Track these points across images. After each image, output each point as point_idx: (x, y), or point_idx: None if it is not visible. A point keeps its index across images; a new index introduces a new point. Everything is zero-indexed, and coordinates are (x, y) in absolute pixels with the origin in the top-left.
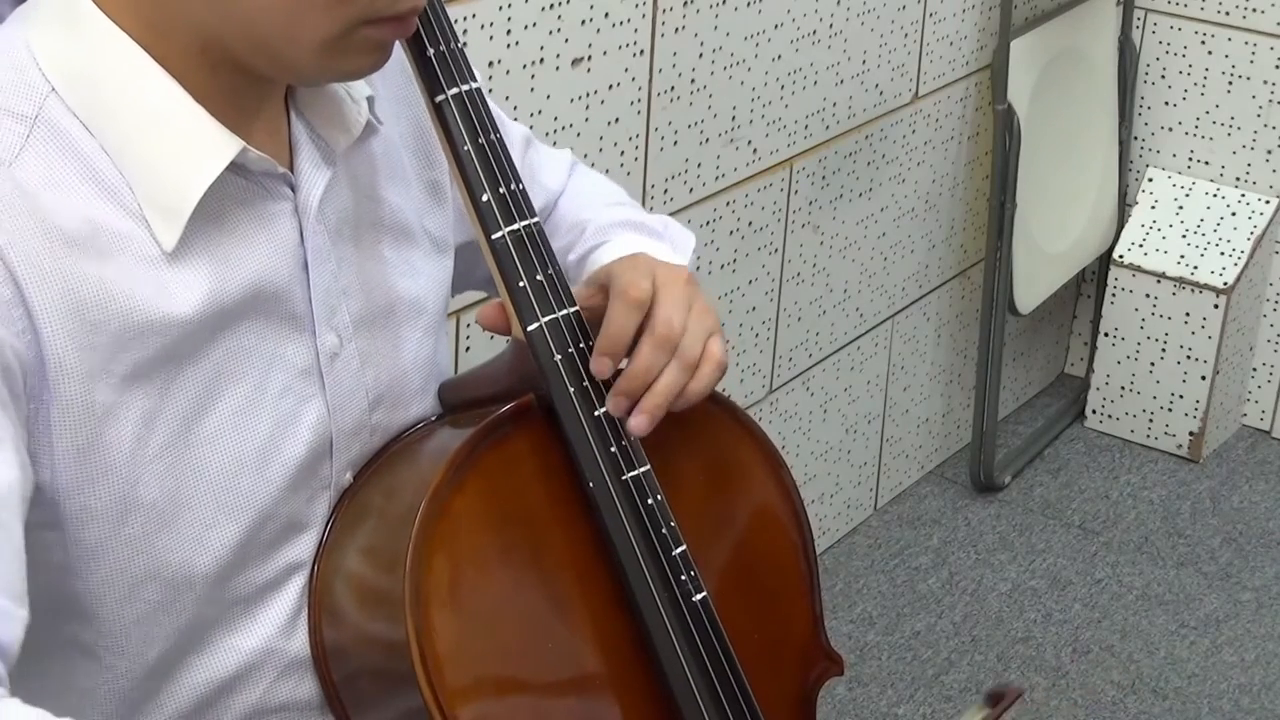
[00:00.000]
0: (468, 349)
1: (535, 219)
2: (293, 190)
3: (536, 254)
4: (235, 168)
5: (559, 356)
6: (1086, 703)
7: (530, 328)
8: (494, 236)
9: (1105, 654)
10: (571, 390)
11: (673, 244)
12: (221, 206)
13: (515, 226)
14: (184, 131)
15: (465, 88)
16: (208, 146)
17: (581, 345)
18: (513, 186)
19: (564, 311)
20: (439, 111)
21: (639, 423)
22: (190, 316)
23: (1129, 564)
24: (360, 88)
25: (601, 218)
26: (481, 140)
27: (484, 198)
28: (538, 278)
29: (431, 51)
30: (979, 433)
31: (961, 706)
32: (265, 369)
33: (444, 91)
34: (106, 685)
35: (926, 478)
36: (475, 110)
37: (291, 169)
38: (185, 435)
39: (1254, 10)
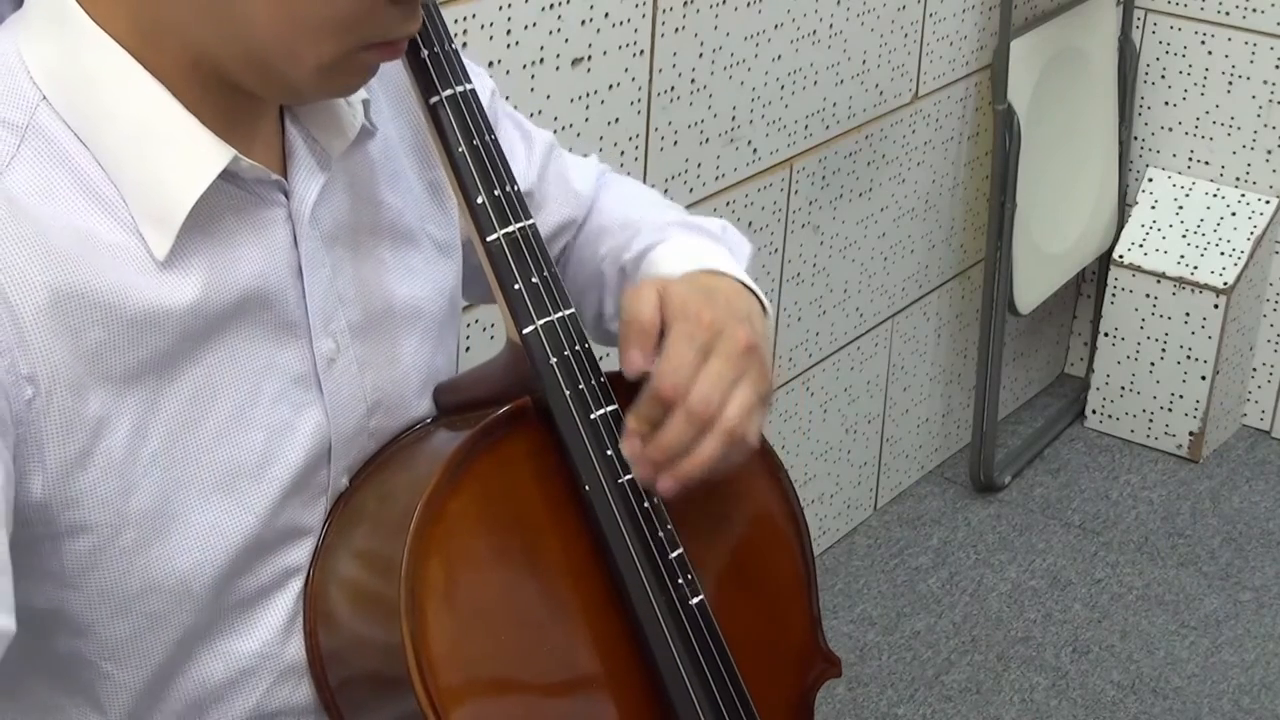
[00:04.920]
0: (468, 349)
1: (531, 221)
2: (286, 196)
3: (532, 256)
4: (228, 175)
5: (555, 359)
6: (1086, 703)
7: (526, 330)
8: (489, 238)
9: (1105, 654)
10: (568, 393)
11: (730, 248)
12: (214, 214)
13: (511, 228)
14: (175, 141)
15: (460, 89)
16: (199, 156)
17: (578, 348)
18: (508, 188)
19: (560, 314)
20: (434, 113)
21: (666, 485)
22: (181, 314)
23: (1129, 564)
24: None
25: (656, 218)
26: (476, 141)
27: (479, 200)
28: (533, 280)
29: (426, 53)
30: (979, 433)
31: (962, 707)
32: (259, 376)
33: (439, 93)
34: (106, 695)
35: (926, 478)
36: (470, 111)
37: (285, 175)
38: (178, 443)
39: (1254, 10)
